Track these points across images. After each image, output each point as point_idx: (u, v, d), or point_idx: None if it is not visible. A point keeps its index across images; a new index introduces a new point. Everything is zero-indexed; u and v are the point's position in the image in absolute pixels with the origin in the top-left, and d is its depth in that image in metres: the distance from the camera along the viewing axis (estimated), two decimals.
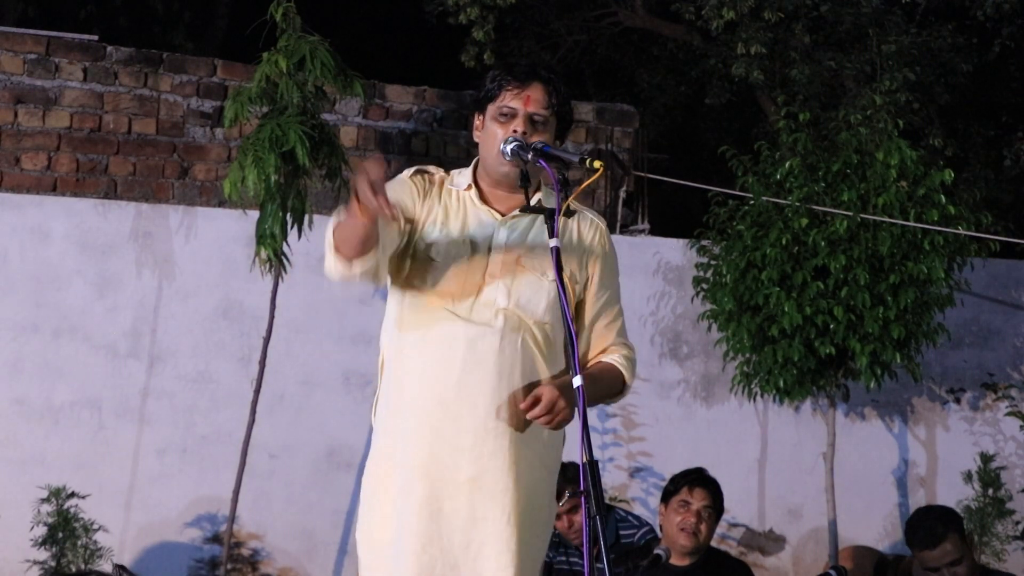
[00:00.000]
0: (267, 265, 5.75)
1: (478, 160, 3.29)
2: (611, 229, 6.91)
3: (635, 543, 5.28)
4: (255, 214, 5.82)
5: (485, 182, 3.24)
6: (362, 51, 8.48)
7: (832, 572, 5.14)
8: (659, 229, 7.46)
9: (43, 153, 6.60)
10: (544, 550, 3.27)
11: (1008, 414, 6.94)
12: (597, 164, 2.99)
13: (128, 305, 6.41)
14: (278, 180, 5.64)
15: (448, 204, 3.22)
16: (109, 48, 6.74)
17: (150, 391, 6.38)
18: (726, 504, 5.11)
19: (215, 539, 6.35)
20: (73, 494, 5.85)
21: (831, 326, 6.12)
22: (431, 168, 3.31)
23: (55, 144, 6.62)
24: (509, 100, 3.19)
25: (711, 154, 8.03)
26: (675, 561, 4.87)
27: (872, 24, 8.65)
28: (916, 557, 4.94)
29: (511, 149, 3.11)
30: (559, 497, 4.95)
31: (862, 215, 6.16)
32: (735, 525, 6.91)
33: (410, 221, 3.19)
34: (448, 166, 3.37)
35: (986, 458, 6.75)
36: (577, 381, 2.90)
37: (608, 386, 3.25)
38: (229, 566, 6.12)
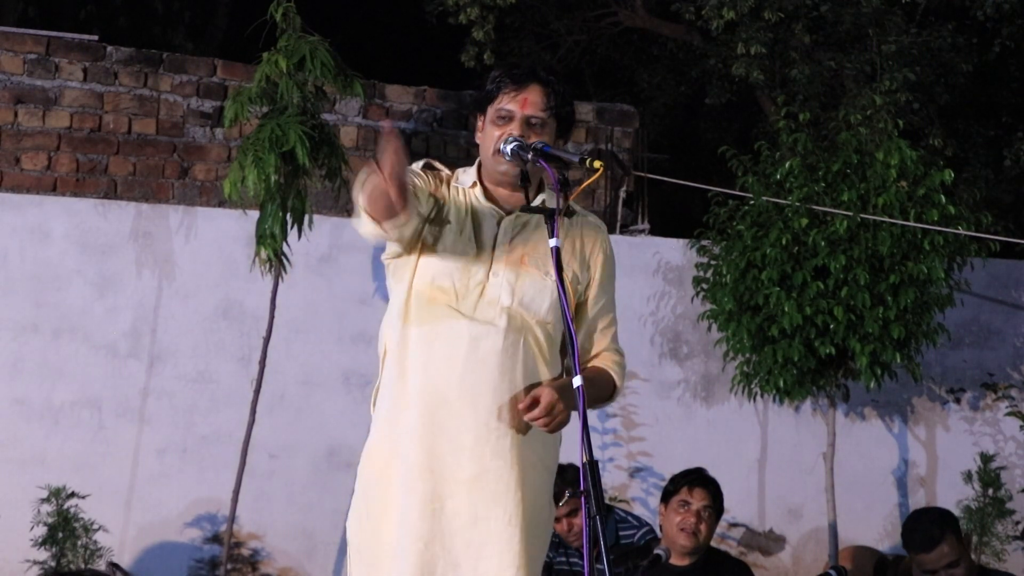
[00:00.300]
0: (267, 265, 5.75)
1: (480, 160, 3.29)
2: (611, 229, 6.96)
3: (635, 543, 5.28)
4: (255, 214, 5.82)
5: (488, 181, 3.25)
6: (362, 51, 8.48)
7: (832, 572, 5.13)
8: (659, 229, 7.46)
9: (43, 153, 6.60)
10: (545, 551, 3.27)
11: (1008, 414, 6.94)
12: (597, 164, 2.99)
13: (128, 305, 6.41)
14: (278, 180, 5.64)
15: (454, 201, 3.22)
16: (109, 48, 6.74)
17: (150, 391, 6.38)
18: (726, 504, 5.10)
19: (215, 539, 6.35)
20: (73, 494, 5.85)
21: (831, 326, 6.12)
22: (438, 164, 3.31)
23: (55, 144, 6.62)
24: (506, 103, 3.19)
25: (711, 154, 8.03)
26: (675, 561, 4.87)
27: (872, 24, 8.66)
28: (913, 560, 4.94)
29: (511, 149, 3.11)
30: (559, 498, 4.97)
31: (862, 215, 6.16)
32: (735, 525, 6.91)
33: (428, 204, 3.17)
34: (448, 166, 3.37)
35: (986, 458, 6.74)
36: (577, 381, 2.90)
37: (600, 390, 3.25)
38: (229, 566, 6.12)
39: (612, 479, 6.76)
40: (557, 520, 5.11)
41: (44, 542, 5.79)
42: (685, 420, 6.97)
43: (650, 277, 7.01)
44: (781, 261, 6.19)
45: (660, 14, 10.11)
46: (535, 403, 3.02)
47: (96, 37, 6.86)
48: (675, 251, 7.06)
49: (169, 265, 6.47)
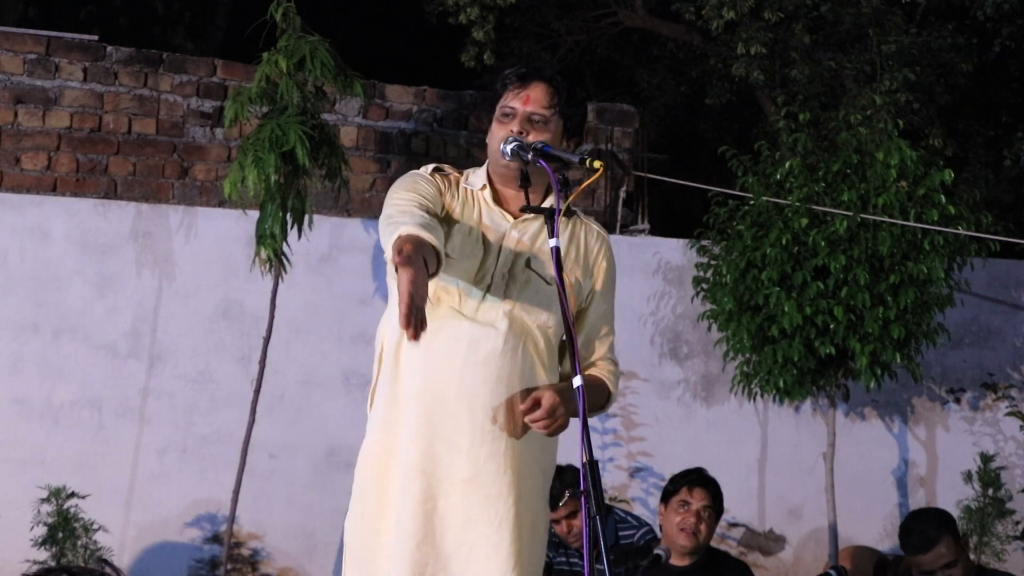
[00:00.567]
0: (267, 265, 5.75)
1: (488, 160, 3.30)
2: (611, 229, 6.96)
3: (635, 543, 5.28)
4: (255, 214, 5.82)
5: (497, 181, 3.25)
6: (362, 51, 8.48)
7: (832, 572, 5.13)
8: (659, 229, 7.46)
9: (43, 153, 6.60)
10: (543, 555, 3.26)
11: (1008, 414, 6.94)
12: (597, 164, 2.99)
13: (128, 305, 6.41)
14: (278, 180, 5.64)
15: (463, 202, 3.22)
16: (109, 48, 6.74)
17: (150, 391, 6.38)
18: (726, 504, 5.10)
19: (215, 539, 6.35)
20: (73, 494, 5.85)
21: (831, 326, 6.12)
22: (447, 167, 3.31)
23: (55, 144, 6.62)
24: (510, 100, 3.20)
25: (711, 154, 8.03)
26: (675, 561, 4.87)
27: (872, 24, 8.65)
28: (910, 561, 4.94)
29: (511, 149, 3.12)
30: (558, 499, 4.97)
31: (862, 215, 6.16)
32: (735, 525, 6.91)
33: (440, 216, 3.17)
34: (449, 166, 3.37)
35: (986, 458, 6.74)
36: (577, 381, 2.90)
37: (595, 399, 3.25)
38: (229, 566, 6.12)
39: (612, 479, 6.76)
40: (556, 522, 5.11)
41: (44, 542, 5.79)
42: (685, 420, 6.97)
43: (650, 277, 7.01)
44: (781, 261, 6.19)
45: (660, 14, 10.10)
46: (536, 405, 3.02)
47: (96, 37, 6.85)
48: (675, 251, 7.06)
49: (169, 265, 6.47)
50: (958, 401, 7.24)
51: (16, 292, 6.28)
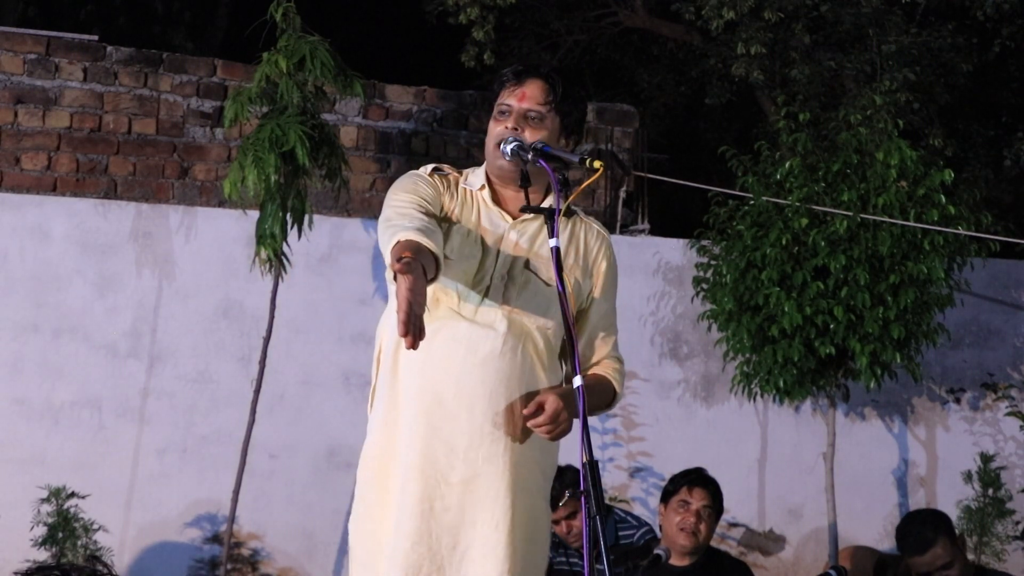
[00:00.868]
0: (267, 265, 5.75)
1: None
2: (611, 229, 6.95)
3: (634, 543, 5.28)
4: (255, 214, 5.82)
5: (495, 181, 3.24)
6: (362, 51, 8.48)
7: (832, 572, 5.13)
8: (659, 229, 7.46)
9: (43, 153, 6.60)
10: (545, 557, 3.25)
11: (1008, 414, 6.94)
12: (597, 164, 2.98)
13: (128, 305, 6.41)
14: (278, 180, 5.64)
15: (462, 203, 3.22)
16: (109, 48, 6.74)
17: (150, 391, 6.38)
18: (726, 504, 5.10)
19: (215, 539, 6.35)
20: (73, 494, 5.85)
21: (831, 326, 6.12)
22: (446, 167, 3.30)
23: (55, 144, 6.62)
24: (506, 97, 3.19)
25: (711, 154, 8.03)
26: (675, 561, 4.87)
27: (872, 24, 8.65)
28: (907, 563, 4.94)
29: (511, 149, 3.11)
30: (558, 500, 4.97)
31: (862, 215, 6.16)
32: (735, 525, 6.91)
33: (439, 217, 3.16)
34: (450, 166, 3.37)
35: (986, 458, 6.75)
36: (577, 381, 2.89)
37: (600, 397, 3.24)
38: (229, 566, 6.12)
39: (612, 479, 6.76)
40: (556, 522, 5.11)
41: (44, 542, 5.79)
42: (685, 420, 6.97)
43: (650, 277, 7.01)
44: (781, 261, 6.19)
45: (660, 14, 10.10)
46: (540, 409, 3.01)
47: (96, 37, 6.86)
48: (675, 251, 7.06)
49: (169, 265, 6.47)
50: (958, 401, 7.23)
51: (16, 292, 6.28)
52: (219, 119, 6.65)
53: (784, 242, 6.18)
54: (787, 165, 6.34)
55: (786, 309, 6.10)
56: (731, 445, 6.95)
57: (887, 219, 6.13)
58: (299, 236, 5.81)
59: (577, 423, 2.89)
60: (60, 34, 6.78)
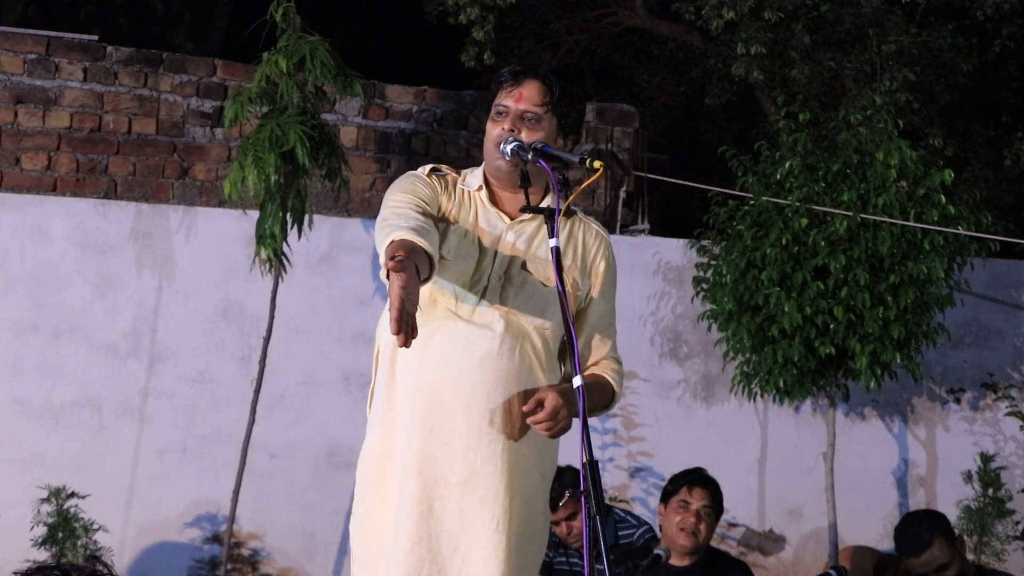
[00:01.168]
0: (267, 265, 5.75)
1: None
2: (611, 229, 6.95)
3: (634, 543, 5.28)
4: (255, 214, 5.82)
5: (493, 182, 3.23)
6: (362, 51, 8.49)
7: (832, 572, 5.13)
8: (659, 229, 7.46)
9: (43, 153, 6.60)
10: (540, 557, 3.25)
11: (1008, 414, 6.94)
12: (597, 164, 2.98)
13: (128, 305, 6.41)
14: (278, 180, 5.64)
15: (460, 204, 3.21)
16: (109, 48, 6.74)
17: (150, 391, 6.38)
18: (726, 504, 5.10)
19: (215, 539, 6.35)
20: (73, 494, 5.85)
21: (831, 326, 6.12)
22: (444, 168, 3.30)
23: (55, 144, 6.62)
24: (503, 98, 3.18)
25: (711, 154, 8.03)
26: (675, 561, 4.87)
27: (872, 24, 8.65)
28: (905, 564, 4.94)
29: (511, 149, 3.10)
30: (558, 500, 4.97)
31: (862, 215, 6.16)
32: (735, 525, 6.91)
33: (436, 217, 3.16)
34: (449, 166, 3.37)
35: (986, 458, 6.75)
36: (577, 381, 2.89)
37: (599, 398, 3.24)
38: (229, 566, 6.12)
39: (612, 479, 6.76)
40: (556, 523, 5.11)
41: (44, 542, 5.79)
42: (685, 420, 6.97)
43: (650, 277, 7.01)
44: (781, 261, 6.19)
45: (660, 14, 10.10)
46: (539, 406, 3.01)
47: (96, 37, 6.85)
48: (675, 251, 7.06)
49: (169, 265, 6.47)
50: (958, 401, 7.24)
51: (16, 292, 6.28)
52: (219, 119, 6.65)
53: (784, 242, 6.18)
54: (787, 165, 6.34)
55: (786, 309, 6.10)
56: (731, 445, 6.95)
57: (887, 219, 6.14)
58: (299, 236, 5.81)
59: (577, 423, 2.89)
60: (60, 34, 6.78)
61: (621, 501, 6.57)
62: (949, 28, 8.87)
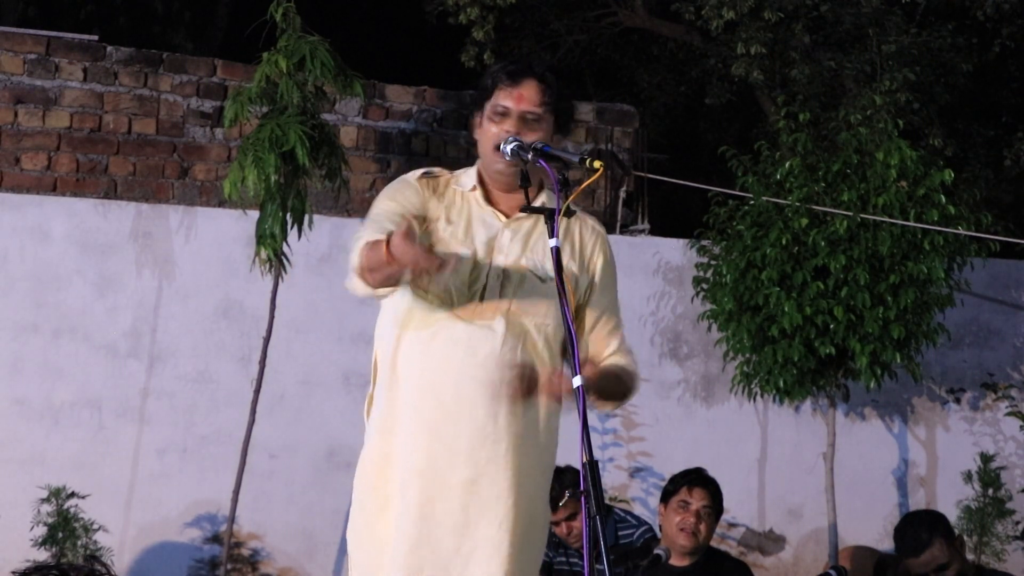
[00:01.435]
0: (267, 265, 5.75)
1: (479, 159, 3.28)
2: (611, 229, 6.95)
3: (634, 543, 5.28)
4: (255, 214, 5.82)
5: (488, 181, 3.23)
6: (362, 51, 8.49)
7: (832, 572, 5.13)
8: (659, 229, 7.46)
9: (43, 153, 6.60)
10: (540, 557, 3.26)
11: (1008, 414, 6.94)
12: (597, 164, 2.97)
13: (128, 305, 6.41)
14: (278, 180, 5.64)
15: (454, 205, 3.20)
16: (109, 48, 6.74)
17: (150, 391, 6.38)
18: (726, 504, 5.10)
19: (215, 539, 6.35)
20: (73, 494, 5.85)
21: (831, 326, 6.12)
22: (436, 170, 3.29)
23: (55, 144, 6.62)
24: (502, 99, 3.17)
25: (711, 154, 8.03)
26: (675, 561, 4.87)
27: (872, 24, 8.65)
28: (905, 564, 4.94)
29: (511, 149, 3.09)
30: (558, 501, 4.97)
31: (862, 215, 6.16)
32: (735, 525, 6.91)
33: (424, 221, 3.16)
34: (448, 166, 3.37)
35: (986, 458, 6.74)
36: (576, 381, 2.89)
37: (627, 387, 3.28)
38: (229, 566, 6.12)
39: (612, 479, 6.76)
40: (556, 523, 5.10)
41: (44, 542, 5.79)
42: (685, 420, 6.97)
43: (650, 277, 7.01)
44: (781, 261, 6.19)
45: (660, 14, 10.10)
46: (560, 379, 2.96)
47: (96, 37, 6.86)
48: (675, 251, 7.06)
49: (169, 265, 6.47)
50: (958, 401, 7.23)
51: (16, 292, 6.28)
52: (219, 119, 6.65)
53: (784, 242, 6.18)
54: (787, 165, 6.34)
55: (786, 309, 6.10)
56: (731, 445, 6.94)
57: (887, 219, 6.13)
58: (299, 236, 5.81)
59: (577, 423, 2.89)
60: (60, 34, 6.78)
61: (621, 501, 6.57)
62: (949, 28, 8.87)
